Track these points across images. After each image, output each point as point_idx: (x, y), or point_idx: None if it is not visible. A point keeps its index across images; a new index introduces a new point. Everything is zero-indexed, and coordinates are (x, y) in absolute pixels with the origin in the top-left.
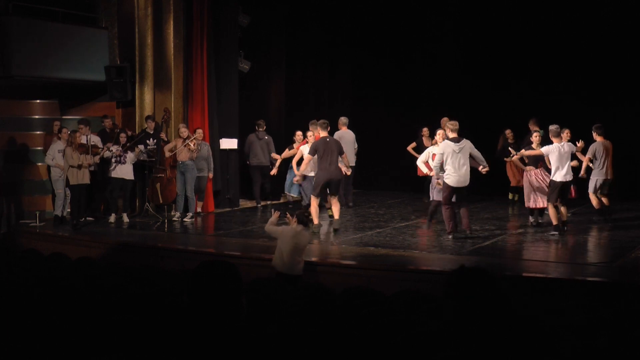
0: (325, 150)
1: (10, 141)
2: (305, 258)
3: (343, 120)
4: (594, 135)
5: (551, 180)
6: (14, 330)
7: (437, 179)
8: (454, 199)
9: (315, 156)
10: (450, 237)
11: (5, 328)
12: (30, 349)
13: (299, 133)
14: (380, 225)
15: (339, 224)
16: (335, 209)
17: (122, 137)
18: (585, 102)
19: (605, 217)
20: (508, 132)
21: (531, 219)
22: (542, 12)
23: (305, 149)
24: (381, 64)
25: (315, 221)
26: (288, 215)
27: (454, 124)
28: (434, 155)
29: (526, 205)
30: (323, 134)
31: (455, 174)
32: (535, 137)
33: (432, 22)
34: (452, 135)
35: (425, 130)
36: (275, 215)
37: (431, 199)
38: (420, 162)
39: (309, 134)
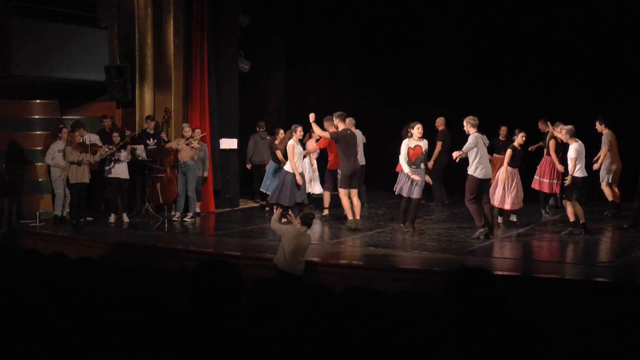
0: (348, 143)
1: (11, 141)
2: (305, 258)
3: (351, 120)
4: (602, 127)
5: (573, 177)
6: (14, 330)
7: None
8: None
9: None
10: (482, 230)
11: (6, 328)
12: (31, 349)
13: (281, 131)
14: (380, 225)
15: (360, 224)
16: (357, 206)
17: (115, 136)
18: (585, 102)
19: (616, 211)
20: (503, 130)
21: (500, 220)
22: (542, 12)
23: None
24: (381, 64)
25: (350, 216)
26: (290, 213)
27: (475, 119)
28: (410, 149)
29: (498, 205)
30: (342, 125)
31: (485, 166)
32: (521, 138)
33: (432, 22)
34: (473, 130)
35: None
36: (277, 212)
37: (410, 196)
38: (402, 159)
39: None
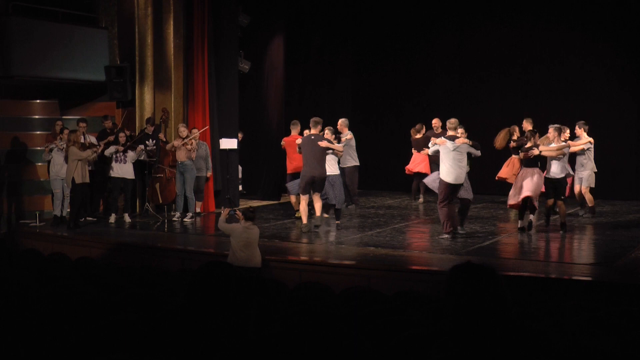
0: (305, 148)
1: (11, 141)
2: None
3: (344, 121)
4: (581, 130)
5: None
6: (14, 330)
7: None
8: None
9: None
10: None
11: (5, 328)
12: (31, 348)
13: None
14: (380, 225)
15: (311, 227)
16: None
17: (122, 137)
18: (586, 102)
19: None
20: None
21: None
22: (541, 12)
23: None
24: (381, 64)
25: (305, 220)
26: (237, 212)
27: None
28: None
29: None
30: (314, 131)
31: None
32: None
33: (432, 21)
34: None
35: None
36: (224, 213)
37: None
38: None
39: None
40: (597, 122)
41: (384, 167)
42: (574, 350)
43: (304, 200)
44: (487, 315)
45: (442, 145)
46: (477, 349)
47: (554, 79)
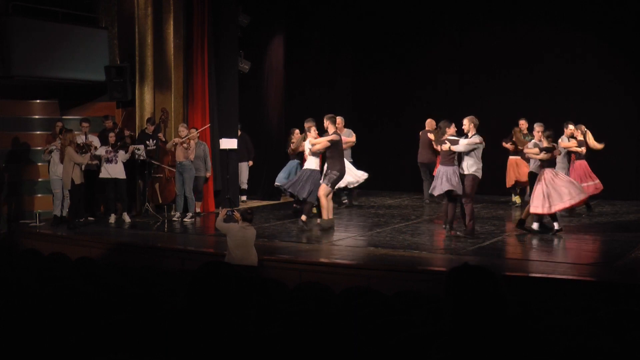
0: (340, 145)
1: (11, 141)
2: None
3: (341, 120)
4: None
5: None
6: (13, 330)
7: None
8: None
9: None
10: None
11: (5, 328)
12: (31, 349)
13: (296, 131)
14: (380, 225)
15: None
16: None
17: (111, 137)
18: (586, 102)
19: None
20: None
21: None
22: (541, 12)
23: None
24: (381, 64)
25: (326, 215)
26: (235, 212)
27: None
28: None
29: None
30: (332, 128)
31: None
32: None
33: (432, 21)
34: (474, 130)
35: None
36: (222, 212)
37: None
38: None
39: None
40: (597, 122)
41: (384, 167)
42: (574, 350)
43: (330, 195)
44: (486, 315)
45: None
46: (476, 349)
47: (554, 79)
